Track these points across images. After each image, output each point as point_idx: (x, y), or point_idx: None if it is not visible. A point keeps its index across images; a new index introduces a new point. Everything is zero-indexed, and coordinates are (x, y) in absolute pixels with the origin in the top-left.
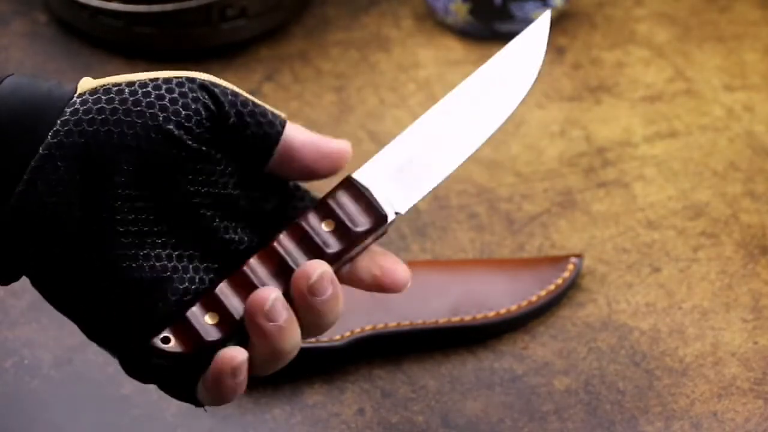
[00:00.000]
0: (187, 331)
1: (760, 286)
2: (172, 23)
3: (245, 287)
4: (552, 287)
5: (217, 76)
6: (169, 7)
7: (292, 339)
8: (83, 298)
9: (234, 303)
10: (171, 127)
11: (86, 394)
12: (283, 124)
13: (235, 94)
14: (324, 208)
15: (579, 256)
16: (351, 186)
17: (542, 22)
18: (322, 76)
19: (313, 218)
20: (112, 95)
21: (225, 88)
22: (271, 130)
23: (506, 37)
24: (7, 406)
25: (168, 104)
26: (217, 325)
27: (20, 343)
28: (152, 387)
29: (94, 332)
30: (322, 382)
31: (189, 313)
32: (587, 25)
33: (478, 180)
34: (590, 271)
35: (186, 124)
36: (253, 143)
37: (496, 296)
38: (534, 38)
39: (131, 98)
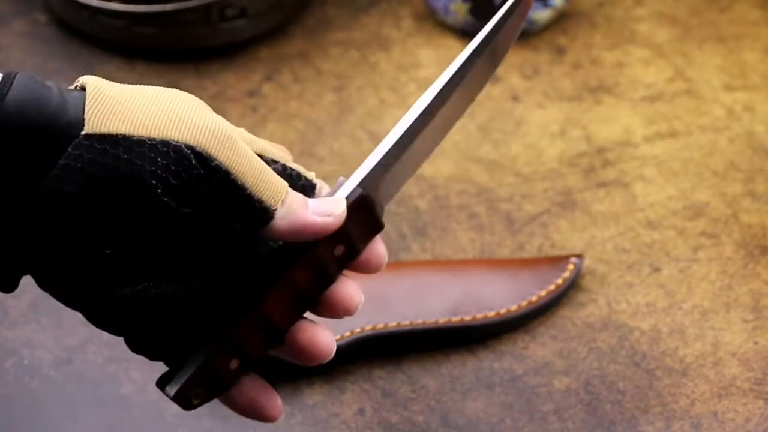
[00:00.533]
0: (213, 381)
1: (761, 286)
2: (172, 23)
3: (264, 330)
4: (552, 287)
5: (217, 76)
6: (168, 6)
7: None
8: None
9: (255, 344)
10: (159, 192)
11: (86, 394)
12: (270, 217)
13: (227, 175)
14: (337, 234)
15: (579, 256)
16: (364, 205)
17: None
18: (322, 76)
19: (326, 246)
20: (119, 150)
21: (219, 166)
22: (256, 220)
23: None
24: (7, 406)
25: (159, 170)
26: (238, 368)
27: (20, 343)
28: (153, 387)
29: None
30: (322, 382)
31: (215, 364)
32: (587, 25)
33: (478, 180)
34: (590, 271)
35: (172, 183)
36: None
37: (496, 296)
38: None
39: (132, 156)
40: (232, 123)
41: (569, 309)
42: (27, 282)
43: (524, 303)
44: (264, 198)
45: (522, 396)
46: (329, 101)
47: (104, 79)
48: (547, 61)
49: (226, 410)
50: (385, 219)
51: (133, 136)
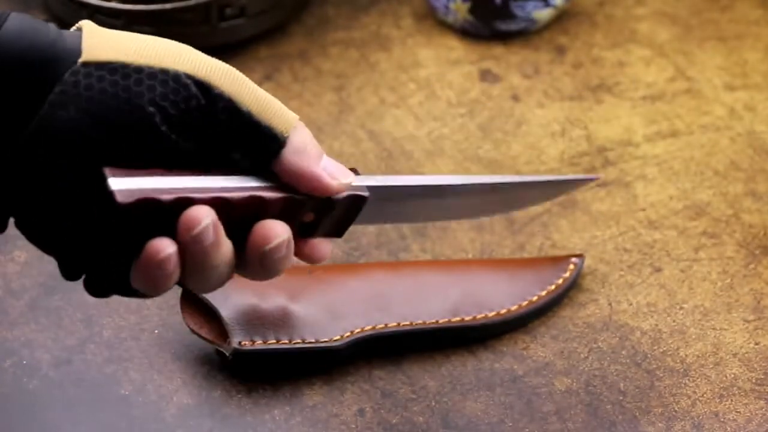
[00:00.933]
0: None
1: (762, 286)
2: (171, 22)
3: (215, 205)
4: (552, 287)
5: None
6: (168, 5)
7: (219, 257)
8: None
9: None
10: (157, 121)
11: (85, 394)
12: (281, 145)
13: (230, 103)
14: (323, 201)
15: (580, 255)
16: (359, 204)
17: None
18: (322, 76)
19: (306, 202)
20: (116, 77)
21: (221, 94)
22: (266, 150)
23: (506, 36)
24: (7, 406)
25: (157, 98)
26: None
27: (19, 343)
28: (152, 387)
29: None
30: (322, 382)
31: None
32: (588, 24)
33: None
34: (591, 271)
35: (172, 113)
36: (246, 151)
37: (496, 296)
38: None
39: (130, 82)
40: None
41: (570, 309)
42: (27, 282)
43: (524, 303)
44: (273, 125)
45: (522, 396)
46: (329, 101)
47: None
48: (547, 60)
49: (226, 411)
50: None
51: (131, 64)
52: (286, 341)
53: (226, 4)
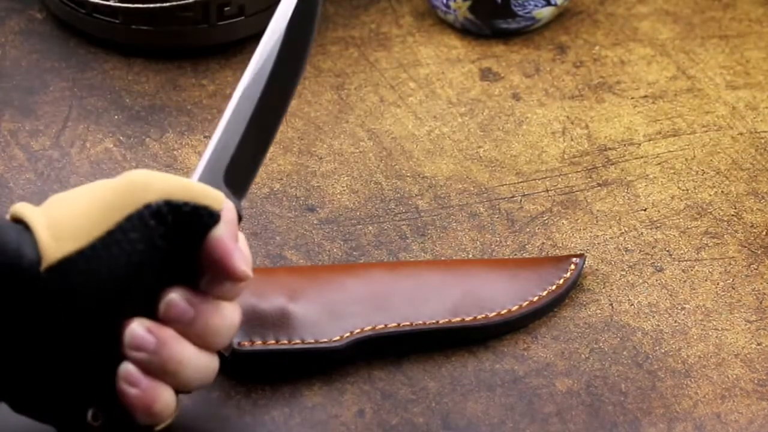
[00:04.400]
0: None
1: (764, 286)
2: (169, 21)
3: None
4: (554, 287)
5: (216, 75)
6: (166, 4)
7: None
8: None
9: None
10: (132, 282)
11: None
12: (217, 219)
13: (169, 204)
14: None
15: (581, 255)
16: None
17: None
18: (322, 74)
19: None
20: (72, 267)
21: (158, 204)
22: (205, 226)
23: (507, 35)
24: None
25: (125, 258)
26: None
27: None
28: None
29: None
30: (322, 383)
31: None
32: (589, 22)
33: (478, 179)
34: (592, 272)
35: (147, 267)
36: (187, 240)
37: (497, 296)
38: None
39: (90, 266)
40: None
41: (571, 309)
42: None
43: (525, 303)
44: (206, 204)
45: (523, 397)
46: (328, 99)
47: (30, 207)
48: (548, 59)
49: (225, 412)
50: (386, 219)
51: (83, 248)
52: (286, 342)
53: (225, 2)
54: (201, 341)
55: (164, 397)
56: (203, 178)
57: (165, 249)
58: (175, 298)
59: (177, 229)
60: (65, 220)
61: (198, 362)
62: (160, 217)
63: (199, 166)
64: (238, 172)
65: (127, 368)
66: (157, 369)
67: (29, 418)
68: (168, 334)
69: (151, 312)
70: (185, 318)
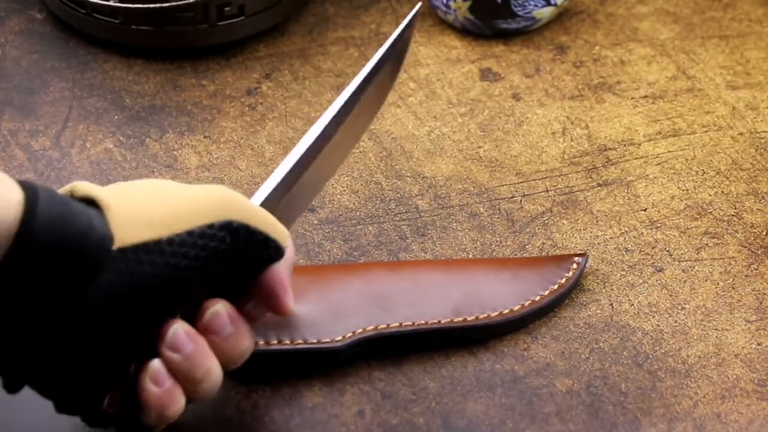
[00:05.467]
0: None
1: (764, 286)
2: (169, 21)
3: None
4: (555, 287)
5: (216, 75)
6: (166, 4)
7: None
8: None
9: None
10: (189, 284)
11: None
12: (282, 253)
13: (246, 227)
14: None
15: (583, 255)
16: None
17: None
18: (322, 75)
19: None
20: (142, 256)
21: (239, 222)
22: (267, 261)
23: (507, 35)
24: (6, 406)
25: (192, 262)
26: None
27: None
28: None
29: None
30: (322, 384)
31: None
32: (589, 22)
33: (479, 179)
34: (592, 272)
35: (204, 279)
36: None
37: (498, 296)
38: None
39: (160, 260)
40: (230, 122)
41: (571, 309)
42: None
43: (527, 303)
44: (276, 238)
45: (523, 397)
46: (329, 100)
47: (98, 187)
48: (548, 59)
49: (225, 413)
50: (386, 219)
51: (162, 238)
52: (288, 342)
53: (225, 2)
54: (224, 357)
55: (180, 403)
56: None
57: (229, 266)
58: (222, 310)
59: (246, 252)
60: (142, 209)
61: (217, 376)
62: (236, 237)
63: (262, 192)
64: (291, 207)
65: (157, 366)
66: (183, 374)
67: (45, 397)
68: (203, 343)
69: (190, 319)
70: (225, 332)
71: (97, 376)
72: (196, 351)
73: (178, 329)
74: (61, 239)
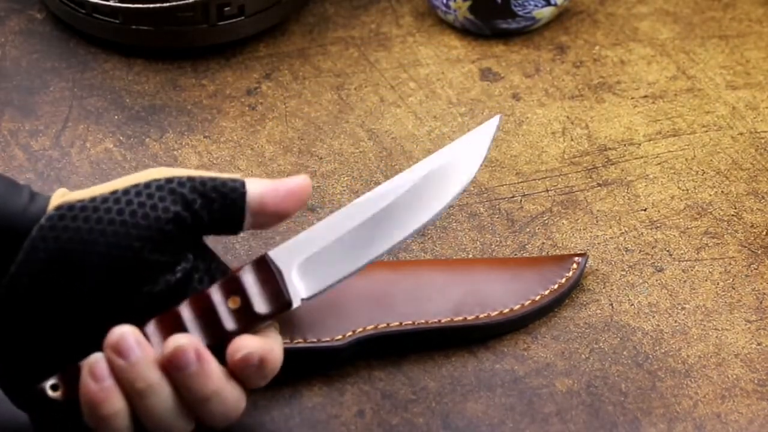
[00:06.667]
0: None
1: (764, 286)
2: (169, 21)
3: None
4: (556, 286)
5: (216, 75)
6: (166, 4)
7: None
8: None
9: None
10: (131, 242)
11: None
12: (242, 185)
13: (192, 179)
14: (233, 284)
15: (583, 255)
16: (264, 267)
17: (491, 125)
18: (322, 75)
19: (219, 292)
20: (75, 213)
21: (180, 177)
22: (235, 194)
23: (507, 35)
24: (6, 405)
25: (128, 218)
26: None
27: None
28: None
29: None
30: (322, 383)
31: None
32: (589, 22)
33: (478, 179)
34: (592, 272)
35: (147, 234)
36: (223, 216)
37: (499, 296)
38: (478, 143)
39: (94, 215)
40: (230, 122)
41: (571, 309)
42: None
43: (528, 302)
44: (228, 176)
45: (523, 397)
46: (328, 100)
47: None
48: (548, 59)
49: None
50: None
51: (95, 197)
52: (288, 341)
53: (225, 2)
54: (189, 396)
55: (116, 407)
56: (287, 246)
57: (195, 226)
58: (184, 342)
59: (207, 206)
60: (90, 188)
61: (167, 405)
62: (186, 196)
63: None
64: (320, 266)
65: (97, 359)
66: (124, 382)
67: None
68: (151, 356)
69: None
70: (189, 368)
71: (36, 357)
72: (142, 360)
73: (127, 331)
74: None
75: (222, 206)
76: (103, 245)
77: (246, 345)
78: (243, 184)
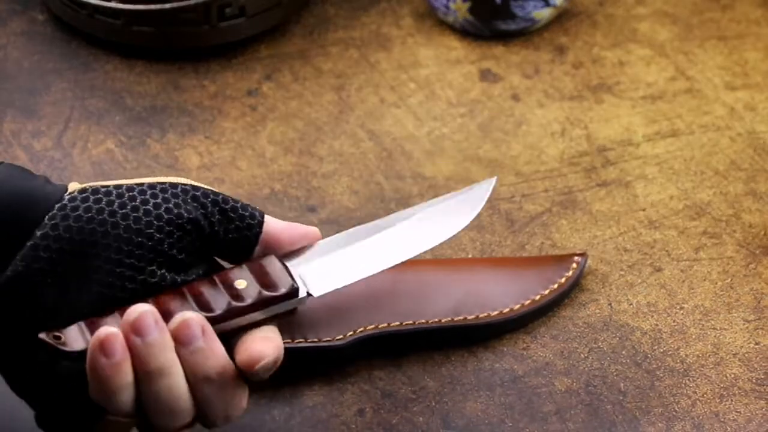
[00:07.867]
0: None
1: (762, 286)
2: (170, 22)
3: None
4: (555, 286)
5: (217, 76)
6: (167, 5)
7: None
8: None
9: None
10: (152, 231)
11: None
12: (262, 215)
13: (216, 194)
14: (240, 271)
15: (583, 254)
16: (272, 260)
17: (487, 186)
18: (322, 76)
19: (229, 273)
20: (99, 196)
21: (205, 189)
22: (253, 220)
23: (506, 36)
24: (6, 405)
25: (152, 209)
26: None
27: None
28: None
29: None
30: (322, 383)
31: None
32: (588, 23)
33: (478, 179)
34: (591, 271)
35: (167, 228)
36: (238, 237)
37: (499, 295)
38: (475, 197)
39: (117, 200)
40: (231, 122)
41: (570, 309)
42: None
43: (528, 302)
44: (249, 206)
45: (523, 397)
46: (329, 100)
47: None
48: (547, 60)
49: None
50: None
51: (110, 185)
52: (288, 340)
53: (226, 3)
54: (191, 373)
55: (126, 379)
56: (297, 251)
57: (211, 238)
58: (192, 316)
59: (223, 221)
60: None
61: (178, 390)
62: (206, 206)
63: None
64: (328, 270)
65: (108, 331)
66: (137, 359)
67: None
68: (170, 342)
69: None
70: (194, 344)
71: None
72: (159, 341)
73: (147, 310)
74: (12, 188)
75: (238, 228)
76: (123, 228)
77: (249, 340)
78: (263, 215)
